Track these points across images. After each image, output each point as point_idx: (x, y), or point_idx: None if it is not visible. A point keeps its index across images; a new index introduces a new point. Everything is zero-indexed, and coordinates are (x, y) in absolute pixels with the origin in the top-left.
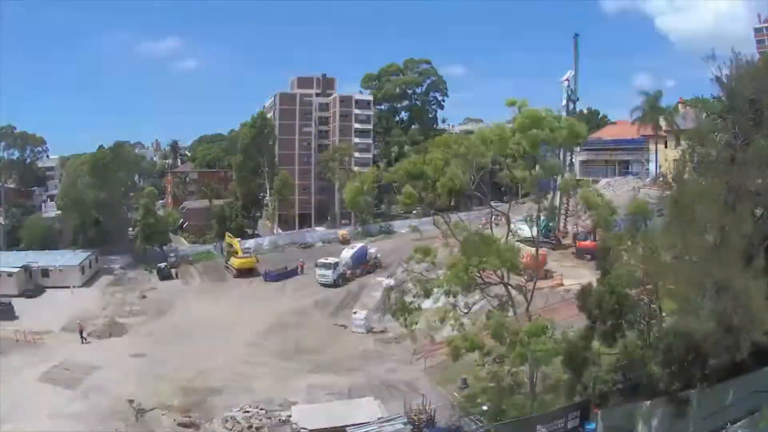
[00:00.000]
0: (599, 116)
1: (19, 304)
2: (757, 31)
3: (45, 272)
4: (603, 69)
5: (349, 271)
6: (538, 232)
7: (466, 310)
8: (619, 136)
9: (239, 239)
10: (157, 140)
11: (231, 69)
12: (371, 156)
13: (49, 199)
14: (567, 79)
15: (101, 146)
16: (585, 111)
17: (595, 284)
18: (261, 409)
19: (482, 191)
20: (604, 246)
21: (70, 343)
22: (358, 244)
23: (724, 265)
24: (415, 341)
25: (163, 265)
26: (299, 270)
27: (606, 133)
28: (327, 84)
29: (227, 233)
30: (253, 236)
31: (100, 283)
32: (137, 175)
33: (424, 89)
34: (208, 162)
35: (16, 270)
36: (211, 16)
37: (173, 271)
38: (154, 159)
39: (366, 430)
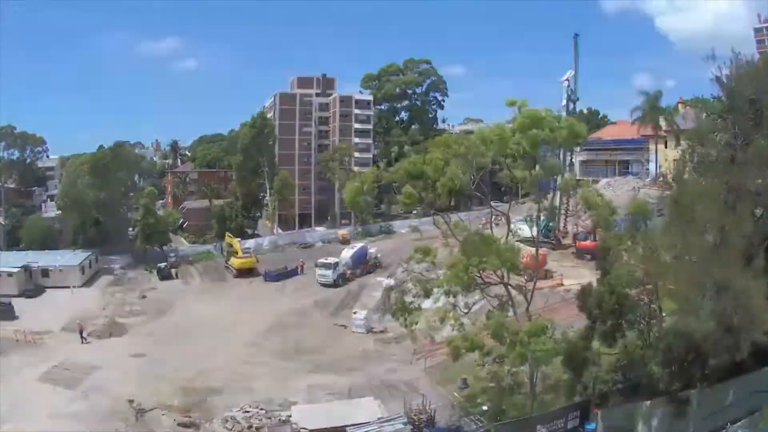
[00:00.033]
0: (599, 116)
1: (19, 304)
2: (757, 31)
3: (45, 272)
4: (603, 69)
5: (349, 271)
6: (538, 232)
7: (466, 310)
8: (619, 136)
9: (239, 239)
10: (157, 140)
11: (231, 69)
12: (371, 156)
13: (49, 199)
14: (567, 79)
15: (101, 146)
16: (585, 111)
17: (595, 284)
18: (261, 409)
19: (482, 191)
20: (604, 246)
21: (70, 343)
22: (358, 244)
23: (724, 265)
24: (415, 341)
25: (163, 265)
26: (299, 270)
27: (606, 133)
28: (327, 84)
29: (227, 233)
30: (253, 236)
31: (100, 283)
32: (137, 175)
33: (424, 89)
34: (208, 162)
35: (16, 270)
36: (211, 16)
37: (173, 271)
38: (154, 159)
39: (366, 430)
